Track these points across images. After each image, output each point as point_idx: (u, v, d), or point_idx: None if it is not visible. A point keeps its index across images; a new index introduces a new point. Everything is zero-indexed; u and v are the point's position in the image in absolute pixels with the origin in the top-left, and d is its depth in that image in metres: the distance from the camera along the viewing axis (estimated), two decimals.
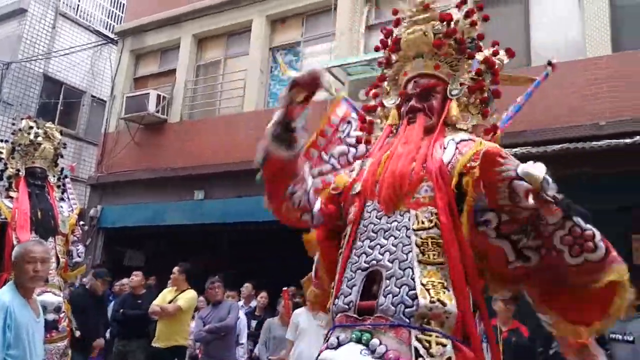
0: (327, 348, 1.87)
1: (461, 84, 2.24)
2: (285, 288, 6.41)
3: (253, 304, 7.28)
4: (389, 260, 1.87)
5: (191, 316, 6.47)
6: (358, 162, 2.28)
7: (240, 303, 7.51)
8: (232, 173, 9.21)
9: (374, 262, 1.89)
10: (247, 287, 7.55)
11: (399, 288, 1.81)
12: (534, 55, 7.49)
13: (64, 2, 13.91)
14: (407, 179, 1.95)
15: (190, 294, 6.24)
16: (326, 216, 2.18)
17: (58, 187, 5.42)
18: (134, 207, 10.42)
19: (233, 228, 9.65)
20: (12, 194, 5.04)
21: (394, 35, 2.39)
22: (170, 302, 6.09)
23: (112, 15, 15.03)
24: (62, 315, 4.77)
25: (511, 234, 1.87)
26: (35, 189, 5.09)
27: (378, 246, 1.91)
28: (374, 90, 2.49)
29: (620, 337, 4.75)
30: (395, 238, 1.89)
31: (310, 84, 1.96)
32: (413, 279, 1.81)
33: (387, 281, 1.83)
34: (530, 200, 1.72)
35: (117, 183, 10.73)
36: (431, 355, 1.72)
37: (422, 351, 1.72)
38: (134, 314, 6.32)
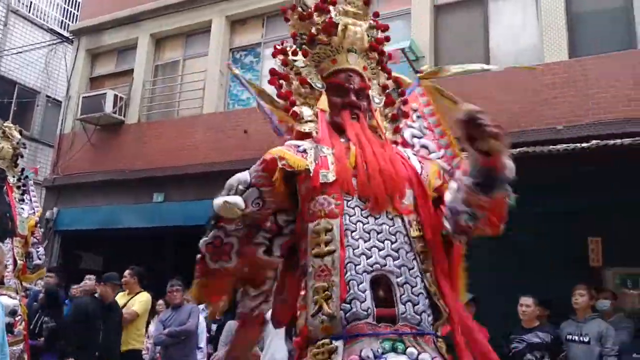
0: None
1: (380, 93, 2.25)
2: None
3: None
4: (395, 266, 1.79)
5: (146, 319, 6.44)
6: (308, 144, 2.06)
7: (202, 306, 7.47)
8: (192, 175, 9.16)
9: (378, 265, 1.79)
10: None
11: (417, 296, 1.78)
12: (492, 60, 7.67)
13: None
14: (396, 181, 1.89)
15: (144, 296, 6.21)
16: (267, 185, 1.97)
17: (18, 187, 5.29)
18: (91, 210, 10.23)
19: (193, 231, 9.55)
20: None
21: (329, 16, 2.23)
22: (123, 307, 6.04)
23: (67, 14, 14.67)
24: (17, 318, 4.68)
25: None
26: None
27: (375, 249, 1.81)
28: (282, 57, 2.28)
29: (576, 338, 4.92)
30: (392, 242, 1.83)
31: None
32: (426, 289, 1.80)
33: (401, 288, 1.77)
34: None
35: (74, 185, 10.50)
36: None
37: (445, 355, 1.78)
38: None
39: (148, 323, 6.70)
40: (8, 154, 5.21)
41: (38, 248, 5.27)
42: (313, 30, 2.23)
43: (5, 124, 5.32)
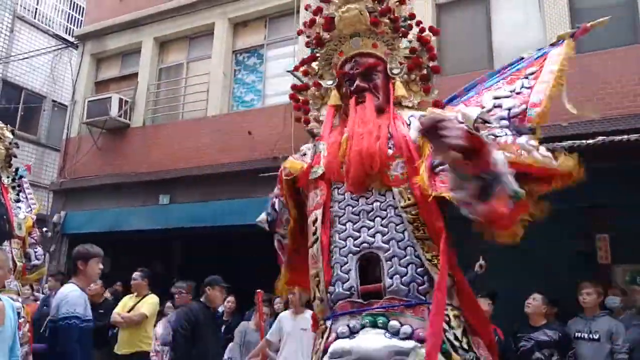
0: (337, 337, 1.78)
1: (400, 63, 2.23)
2: (258, 291, 6.42)
3: (221, 308, 7.25)
4: (383, 242, 1.83)
5: (154, 321, 6.45)
6: (307, 145, 2.21)
7: None
8: (197, 177, 9.19)
9: (365, 244, 1.84)
10: None
11: (406, 267, 1.78)
12: (495, 57, 7.65)
13: (21, 6, 13.59)
14: (376, 157, 1.90)
15: (153, 299, 6.21)
16: (284, 196, 2.15)
17: (13, 188, 5.22)
18: (98, 213, 10.28)
19: (199, 232, 9.62)
20: None
21: (325, 14, 2.29)
22: (131, 309, 6.06)
23: (71, 19, 14.75)
24: (21, 320, 4.68)
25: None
26: None
27: (365, 228, 1.86)
28: (303, 68, 2.40)
29: (586, 335, 4.87)
30: (383, 218, 1.86)
31: None
32: (418, 257, 1.79)
33: (389, 262, 1.80)
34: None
35: (81, 189, 10.56)
36: (452, 328, 1.74)
37: (444, 326, 1.71)
38: (96, 326, 6.24)
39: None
40: (1, 155, 5.11)
41: (36, 248, 5.21)
42: (318, 31, 2.29)
43: None
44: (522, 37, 7.66)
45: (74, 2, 14.87)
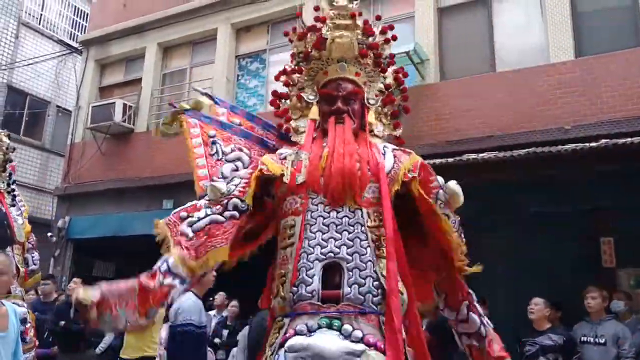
0: (296, 334, 1.92)
1: (376, 95, 2.45)
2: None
3: (225, 313, 7.28)
4: (347, 254, 2.01)
5: (160, 326, 6.45)
6: (289, 151, 2.31)
7: (213, 312, 7.51)
8: None
9: (331, 254, 2.02)
10: (220, 296, 7.53)
11: (364, 279, 1.98)
12: (498, 61, 7.66)
13: (26, 12, 13.68)
14: (356, 177, 2.10)
15: None
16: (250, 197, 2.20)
17: (8, 193, 5.15)
18: (102, 218, 10.31)
19: None
20: None
21: (318, 33, 2.44)
22: None
23: (75, 25, 14.83)
24: (27, 326, 4.68)
25: None
26: None
27: (332, 239, 2.04)
28: (284, 78, 2.56)
29: (591, 339, 4.85)
30: (350, 233, 2.05)
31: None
32: (375, 272, 2.00)
33: (350, 272, 1.99)
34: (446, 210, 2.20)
35: (85, 194, 10.60)
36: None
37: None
38: (77, 329, 6.27)
39: None
40: None
41: (33, 253, 5.15)
42: (308, 47, 2.45)
43: None
44: (524, 40, 7.65)
45: (78, 8, 14.97)
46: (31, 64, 13.22)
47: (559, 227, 6.74)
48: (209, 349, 6.56)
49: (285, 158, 2.27)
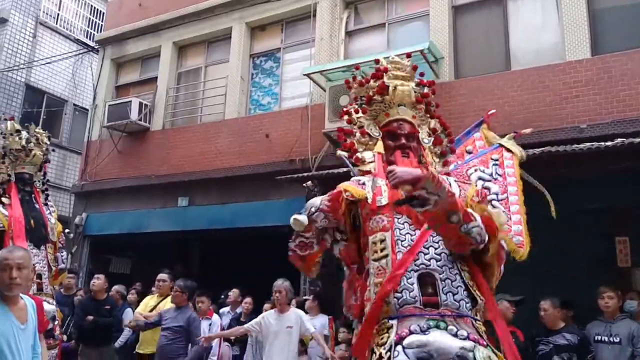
0: (411, 333, 2.25)
1: (428, 135, 2.88)
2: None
3: (239, 310, 7.35)
4: (438, 266, 2.37)
5: None
6: (363, 178, 2.74)
7: (227, 309, 7.59)
8: (216, 179, 9.30)
9: (423, 266, 2.37)
10: (234, 293, 7.60)
11: (456, 289, 2.34)
12: (513, 59, 7.62)
13: (44, 12, 13.87)
14: None
15: None
16: (331, 211, 2.57)
17: (42, 192, 5.33)
18: (119, 215, 10.45)
19: (217, 234, 9.72)
20: (4, 200, 4.88)
21: (381, 81, 2.90)
22: (153, 309, 6.15)
23: (92, 24, 15.00)
24: (56, 323, 4.79)
25: None
26: (25, 196, 4.99)
27: (422, 254, 2.39)
28: (347, 117, 2.99)
29: (606, 338, 4.84)
30: (435, 249, 2.41)
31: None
32: (464, 282, 2.37)
33: (443, 282, 2.34)
34: None
35: (102, 191, 10.74)
36: (483, 337, 2.30)
37: (480, 334, 2.30)
38: (106, 322, 6.39)
39: None
40: (39, 160, 5.24)
41: (62, 252, 5.29)
42: (370, 92, 2.90)
43: (36, 130, 5.34)
44: (539, 39, 7.60)
45: (95, 8, 15.13)
46: (49, 63, 13.41)
47: (574, 226, 6.71)
48: (226, 344, 6.67)
49: (364, 184, 2.67)
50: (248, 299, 7.17)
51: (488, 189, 2.93)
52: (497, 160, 3.10)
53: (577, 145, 5.96)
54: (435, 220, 2.28)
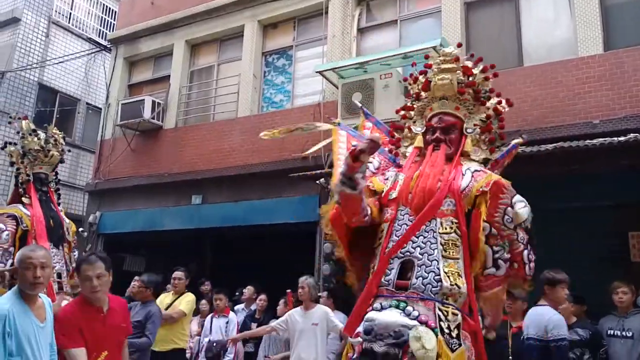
0: (372, 310, 2.55)
1: (475, 125, 2.96)
2: (288, 291, 6.54)
3: (253, 306, 7.41)
4: (419, 253, 2.59)
5: (190, 319, 6.63)
6: (392, 172, 2.98)
7: (242, 306, 7.65)
8: (228, 177, 9.35)
9: (408, 253, 2.62)
10: (249, 290, 7.64)
11: (428, 274, 2.55)
12: (525, 55, 7.61)
13: (56, 11, 13.99)
14: (434, 194, 2.65)
15: (190, 297, 6.35)
16: (372, 209, 2.79)
17: (56, 191, 5.40)
18: (132, 213, 10.53)
19: (230, 231, 9.79)
20: (25, 200, 4.96)
21: (426, 77, 3.06)
22: (168, 306, 6.21)
23: (104, 23, 15.10)
24: None
25: (493, 245, 2.62)
26: (42, 196, 5.06)
27: (411, 242, 2.63)
28: (402, 113, 3.20)
29: (618, 333, 4.84)
30: (424, 237, 2.62)
31: (371, 151, 2.49)
32: (438, 268, 2.55)
33: (419, 268, 2.57)
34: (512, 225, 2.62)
35: (115, 189, 10.82)
36: (448, 320, 2.48)
37: (442, 317, 2.48)
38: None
39: None
40: (56, 161, 5.33)
41: (74, 252, 5.36)
42: (417, 89, 3.10)
43: (54, 131, 5.41)
44: (551, 35, 7.58)
45: (107, 6, 15.23)
46: (61, 62, 13.52)
47: (588, 221, 6.70)
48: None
49: (387, 179, 2.93)
50: (262, 296, 7.23)
51: None
52: None
53: (590, 141, 5.96)
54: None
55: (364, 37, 9.03)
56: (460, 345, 2.45)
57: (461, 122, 2.93)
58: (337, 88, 8.14)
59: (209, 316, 6.96)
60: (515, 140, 3.10)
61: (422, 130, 3.01)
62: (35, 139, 5.19)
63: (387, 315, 2.48)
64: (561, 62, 7.16)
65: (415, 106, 3.11)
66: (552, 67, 7.17)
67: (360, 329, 2.54)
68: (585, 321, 5.07)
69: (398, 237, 2.66)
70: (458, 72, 2.96)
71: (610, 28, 7.11)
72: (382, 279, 2.61)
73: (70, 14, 14.37)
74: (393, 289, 2.58)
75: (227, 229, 9.57)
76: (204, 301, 7.55)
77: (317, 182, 7.74)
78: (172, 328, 6.11)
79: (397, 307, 2.50)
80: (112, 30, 13.52)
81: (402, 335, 2.39)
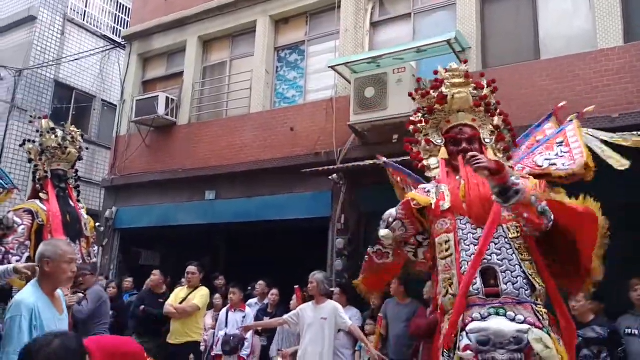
0: (473, 320, 2.61)
1: (490, 134, 3.15)
2: (296, 286, 6.55)
3: (266, 301, 7.43)
4: (498, 260, 2.68)
5: (205, 312, 6.67)
6: (431, 185, 3.07)
7: (254, 300, 7.68)
8: (241, 173, 9.36)
9: (485, 261, 2.69)
10: (260, 285, 7.68)
11: (516, 278, 2.65)
12: (542, 48, 7.46)
13: (71, 9, 14.11)
14: (491, 202, 2.72)
15: (204, 291, 6.41)
16: (406, 217, 2.97)
17: (75, 188, 5.52)
18: (148, 208, 10.61)
19: (242, 227, 9.81)
20: (42, 196, 5.08)
21: (439, 91, 3.21)
22: (183, 300, 6.25)
23: (118, 20, 15.21)
24: None
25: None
26: (60, 192, 5.17)
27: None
28: (413, 127, 3.33)
29: (636, 332, 4.77)
30: (496, 244, 2.71)
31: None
32: (524, 272, 2.67)
33: (503, 274, 2.66)
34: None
35: (131, 185, 10.91)
36: (544, 319, 2.64)
37: (540, 317, 2.62)
38: (156, 313, 6.50)
39: None
40: (73, 158, 5.44)
41: (94, 247, 5.48)
42: (431, 103, 3.21)
43: (71, 129, 5.51)
44: (569, 27, 7.41)
45: (121, 4, 15.33)
46: (77, 59, 13.65)
47: (606, 217, 6.56)
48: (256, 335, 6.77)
49: (429, 191, 3.01)
50: (274, 291, 7.25)
51: (555, 164, 3.11)
52: (561, 142, 3.24)
53: (608, 134, 5.81)
54: (523, 207, 2.55)
55: (377, 31, 8.95)
56: (559, 339, 2.64)
57: (478, 134, 3.12)
58: (350, 83, 8.08)
59: (224, 310, 6.99)
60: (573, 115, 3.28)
61: (443, 142, 3.16)
62: (53, 136, 5.31)
63: (499, 323, 2.55)
64: (579, 55, 7.00)
65: (428, 119, 3.24)
66: (570, 60, 7.03)
67: (467, 341, 2.58)
68: (603, 319, 4.98)
69: (468, 245, 2.75)
70: (470, 86, 3.15)
71: (631, 19, 6.92)
72: (471, 289, 2.66)
73: (85, 11, 14.50)
74: (484, 297, 2.65)
75: (240, 224, 9.59)
76: (217, 295, 7.62)
77: (330, 177, 7.70)
78: (186, 322, 6.18)
79: (497, 314, 2.59)
80: (126, 28, 13.61)
81: (523, 340, 2.50)
